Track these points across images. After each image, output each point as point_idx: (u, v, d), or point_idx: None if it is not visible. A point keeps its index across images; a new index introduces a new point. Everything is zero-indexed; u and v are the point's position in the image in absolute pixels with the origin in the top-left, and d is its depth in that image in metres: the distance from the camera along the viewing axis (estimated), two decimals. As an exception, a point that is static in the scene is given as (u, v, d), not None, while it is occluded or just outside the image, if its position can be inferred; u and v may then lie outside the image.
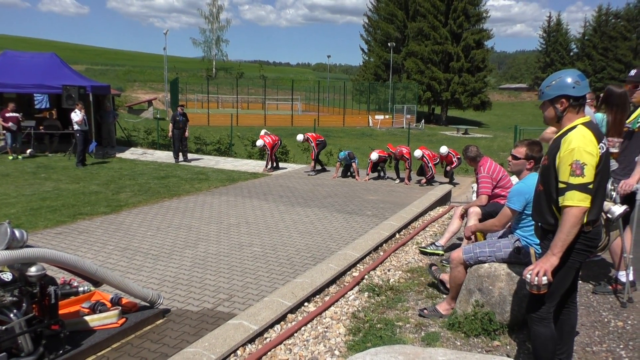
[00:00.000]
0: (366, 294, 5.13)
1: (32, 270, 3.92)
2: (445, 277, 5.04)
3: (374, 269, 5.95)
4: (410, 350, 2.57)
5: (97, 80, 20.88)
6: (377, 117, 43.50)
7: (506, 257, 4.25)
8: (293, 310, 4.58)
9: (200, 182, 12.35)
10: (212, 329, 4.57)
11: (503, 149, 26.96)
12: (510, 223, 4.48)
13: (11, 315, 3.80)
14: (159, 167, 14.32)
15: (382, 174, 13.31)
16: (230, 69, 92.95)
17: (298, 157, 17.62)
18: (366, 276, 5.67)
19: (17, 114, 13.99)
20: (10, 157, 14.04)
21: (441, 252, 6.59)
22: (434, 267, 5.32)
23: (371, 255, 6.50)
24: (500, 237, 4.57)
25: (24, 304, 3.90)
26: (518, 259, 4.21)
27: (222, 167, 14.75)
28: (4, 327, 3.73)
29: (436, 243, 6.73)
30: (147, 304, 5.07)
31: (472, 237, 4.88)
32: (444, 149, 12.24)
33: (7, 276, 3.84)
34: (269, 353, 3.86)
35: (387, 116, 44.60)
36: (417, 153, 12.10)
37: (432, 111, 57.97)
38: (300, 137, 13.78)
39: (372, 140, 28.88)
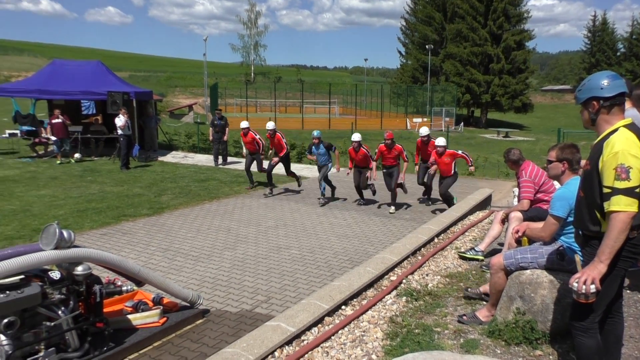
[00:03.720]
0: (404, 298, 5.08)
1: (79, 270, 4.07)
2: (486, 287, 4.93)
3: (412, 273, 5.88)
4: (449, 357, 2.53)
5: (140, 87, 21.50)
6: (415, 120, 43.08)
7: (549, 263, 4.13)
8: (330, 313, 4.58)
9: (239, 184, 12.52)
10: (250, 330, 4.62)
11: (545, 152, 26.20)
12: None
13: (59, 312, 3.95)
14: (199, 170, 14.61)
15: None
16: (268, 74, 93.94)
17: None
18: (404, 280, 5.61)
19: (61, 120, 14.52)
20: (58, 162, 14.60)
21: (481, 258, 6.46)
22: (469, 289, 5.18)
23: (409, 259, 6.43)
24: (544, 243, 4.44)
25: (71, 302, 4.05)
26: (561, 266, 4.08)
27: (260, 171, 14.92)
28: (52, 324, 3.89)
29: (476, 248, 6.60)
30: (188, 304, 5.18)
31: (518, 236, 4.74)
32: (424, 130, 10.93)
33: (56, 275, 3.99)
34: (306, 355, 3.86)
35: (425, 119, 44.12)
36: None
37: (472, 114, 56.94)
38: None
39: (411, 143, 28.63)
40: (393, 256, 6.14)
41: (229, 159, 16.92)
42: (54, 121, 14.61)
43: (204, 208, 9.96)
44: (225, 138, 15.66)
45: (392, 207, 10.14)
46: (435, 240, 7.50)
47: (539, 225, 4.50)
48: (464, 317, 4.52)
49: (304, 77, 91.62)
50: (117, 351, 4.24)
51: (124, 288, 5.08)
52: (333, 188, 11.20)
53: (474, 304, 4.91)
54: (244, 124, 11.95)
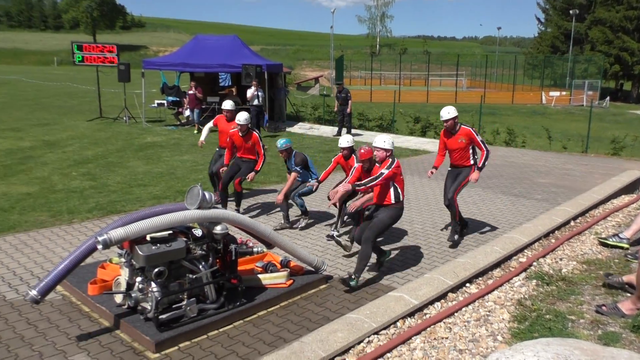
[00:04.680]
0: (534, 281, 4.81)
1: (218, 229, 4.42)
2: (631, 277, 4.47)
3: (543, 256, 5.53)
4: (587, 347, 2.35)
5: (270, 59, 22.38)
6: (551, 93, 39.75)
7: None
8: (454, 289, 4.49)
9: (362, 157, 12.61)
10: (372, 299, 4.70)
11: None
12: None
13: (200, 266, 4.35)
14: (324, 141, 14.94)
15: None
16: (393, 45, 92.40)
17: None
18: (535, 263, 5.30)
19: (193, 92, 15.59)
20: (195, 131, 15.79)
21: (625, 246, 5.86)
22: (610, 277, 4.73)
23: (541, 241, 6.05)
24: None
25: (210, 258, 4.43)
26: None
27: (384, 144, 14.86)
28: (194, 276, 4.29)
29: (620, 235, 6.00)
30: (312, 269, 5.40)
31: None
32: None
33: (198, 232, 4.38)
34: (428, 329, 3.85)
35: (563, 93, 40.51)
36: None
37: (620, 87, 51.06)
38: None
39: (545, 119, 26.56)
40: (523, 237, 5.82)
41: (353, 131, 17.06)
42: (189, 92, 15.81)
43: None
44: (348, 110, 15.78)
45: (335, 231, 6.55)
46: (572, 223, 6.95)
47: None
48: (603, 308, 4.17)
49: (431, 48, 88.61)
50: (249, 307, 4.56)
51: (255, 249, 5.42)
52: (305, 213, 7.27)
53: (615, 294, 4.50)
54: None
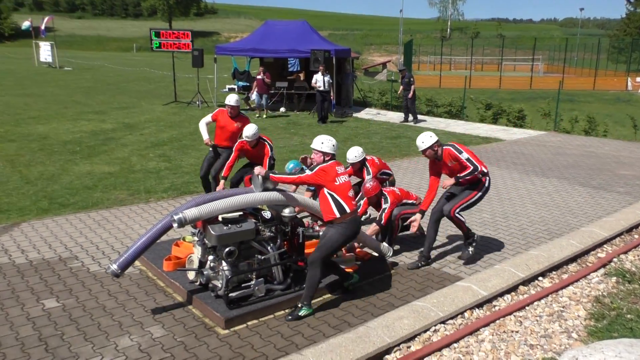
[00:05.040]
0: (614, 278, 4.54)
1: (286, 212, 4.49)
2: None
3: (625, 252, 5.20)
4: (677, 351, 2.20)
5: (338, 44, 22.30)
6: (638, 79, 37.00)
7: None
8: (525, 282, 4.33)
9: (430, 144, 12.36)
10: (438, 288, 4.63)
11: None
12: None
13: (268, 247, 4.45)
14: (391, 127, 14.78)
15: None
16: (465, 29, 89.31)
17: (536, 123, 16.21)
18: (615, 259, 5.00)
19: (262, 77, 15.77)
20: (257, 115, 16.06)
21: None
22: None
23: (623, 237, 5.69)
24: None
25: (278, 240, 4.53)
26: None
27: (453, 130, 14.48)
28: (262, 257, 4.40)
29: None
30: (377, 255, 5.38)
31: None
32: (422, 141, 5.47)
33: (267, 214, 4.48)
34: (497, 321, 3.75)
35: (652, 78, 37.56)
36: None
37: None
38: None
39: (630, 107, 24.80)
40: (603, 231, 5.50)
41: (420, 116, 16.74)
42: (258, 77, 16.04)
43: (394, 164, 10.09)
44: (409, 95, 15.45)
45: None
46: (659, 218, 6.48)
47: None
48: (693, 310, 3.86)
49: (505, 31, 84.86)
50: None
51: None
52: None
53: None
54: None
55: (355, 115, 17.08)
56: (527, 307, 3.96)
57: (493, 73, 42.53)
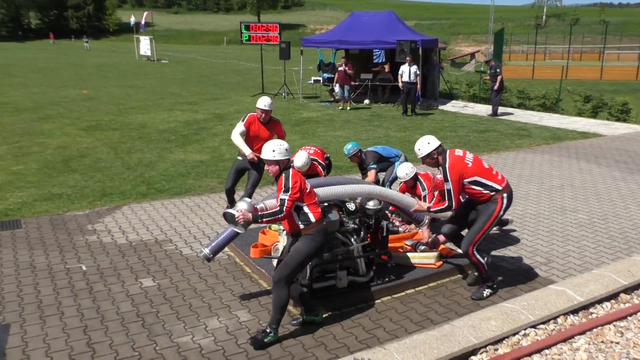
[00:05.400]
0: None
1: (370, 205, 4.48)
2: None
3: None
4: None
5: (425, 34, 21.79)
6: None
7: None
8: (628, 290, 4.02)
9: (521, 138, 11.78)
10: (528, 291, 4.42)
11: None
12: None
13: (352, 239, 4.47)
14: (479, 120, 14.24)
15: None
16: (563, 15, 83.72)
17: (642, 117, 14.90)
18: None
19: (343, 68, 15.70)
20: (340, 108, 16.06)
21: None
22: None
23: None
24: None
25: (362, 232, 4.53)
26: None
27: (546, 124, 13.68)
28: (346, 249, 4.42)
29: None
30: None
31: None
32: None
33: (352, 206, 4.49)
34: (594, 330, 3.51)
35: None
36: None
37: None
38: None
39: None
40: None
41: (511, 109, 15.99)
42: (340, 68, 16.03)
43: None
44: (495, 87, 14.73)
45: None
46: None
47: None
48: None
49: (609, 17, 78.60)
50: (397, 284, 4.59)
51: (401, 229, 5.42)
52: None
53: None
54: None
55: (441, 107, 16.64)
56: (629, 317, 3.67)
57: (593, 63, 39.59)
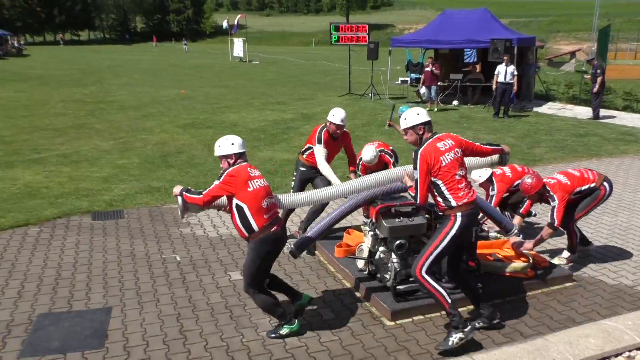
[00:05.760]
0: None
1: (459, 209, 4.34)
2: None
3: None
4: None
5: (520, 32, 20.76)
6: None
7: None
8: None
9: (627, 144, 10.89)
10: (632, 309, 4.08)
11: None
12: None
13: (439, 244, 4.35)
14: (578, 123, 13.34)
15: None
16: (680, 10, 76.35)
17: None
18: None
19: (430, 68, 15.28)
20: (427, 109, 15.63)
21: None
22: None
23: None
24: None
25: (449, 237, 4.40)
26: None
27: (657, 129, 12.55)
28: (432, 253, 4.31)
29: None
30: (556, 264, 4.94)
31: None
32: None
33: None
34: None
35: None
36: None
37: None
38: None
39: None
40: None
41: (616, 112, 14.83)
42: (425, 69, 15.66)
43: (580, 165, 9.11)
44: (594, 89, 13.67)
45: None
46: None
47: None
48: None
49: None
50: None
51: (491, 234, 5.21)
52: None
53: None
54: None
55: (535, 109, 15.79)
56: None
57: None
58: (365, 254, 4.59)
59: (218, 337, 3.89)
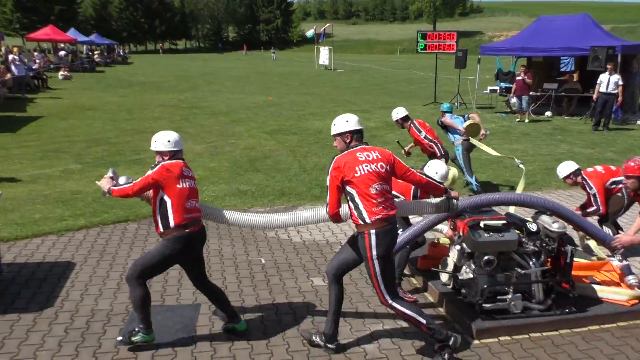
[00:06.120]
0: None
1: (554, 227, 4.12)
2: None
3: None
4: None
5: (625, 39, 19.32)
6: None
7: None
8: None
9: None
10: None
11: None
12: None
13: (530, 262, 4.15)
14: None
15: None
16: None
17: None
18: None
19: (522, 77, 14.45)
20: (517, 119, 14.89)
21: None
22: None
23: None
24: None
25: (542, 256, 4.18)
26: None
27: None
28: (522, 272, 4.12)
29: None
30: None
31: None
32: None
33: (533, 227, 4.18)
34: None
35: None
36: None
37: None
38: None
39: None
40: None
41: None
42: (517, 78, 14.92)
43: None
44: None
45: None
46: None
47: None
48: None
49: None
50: (579, 317, 4.16)
51: (614, 262, 4.81)
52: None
53: None
54: None
55: (639, 122, 14.63)
56: None
57: None
58: (450, 267, 4.47)
59: (299, 341, 3.95)
